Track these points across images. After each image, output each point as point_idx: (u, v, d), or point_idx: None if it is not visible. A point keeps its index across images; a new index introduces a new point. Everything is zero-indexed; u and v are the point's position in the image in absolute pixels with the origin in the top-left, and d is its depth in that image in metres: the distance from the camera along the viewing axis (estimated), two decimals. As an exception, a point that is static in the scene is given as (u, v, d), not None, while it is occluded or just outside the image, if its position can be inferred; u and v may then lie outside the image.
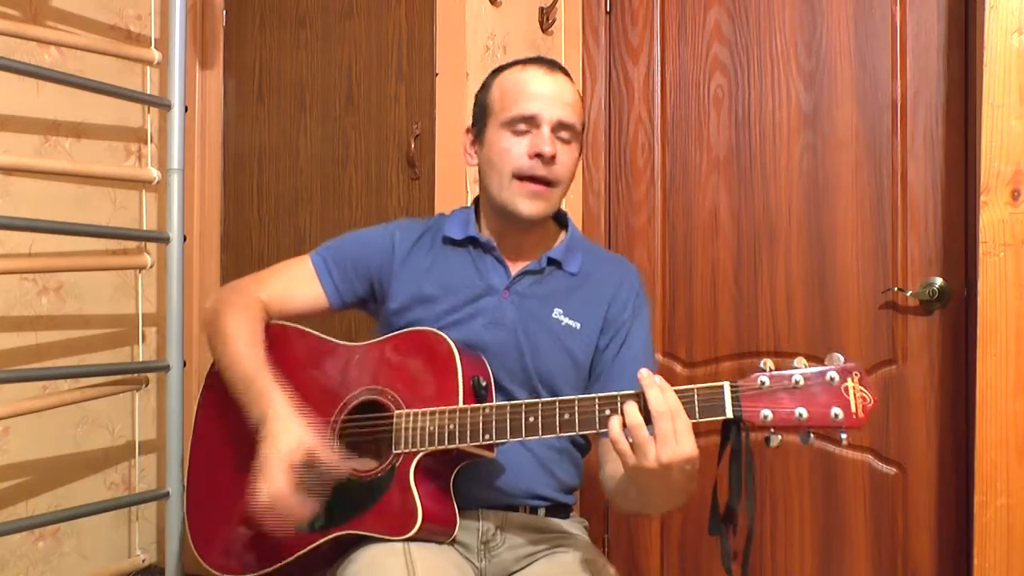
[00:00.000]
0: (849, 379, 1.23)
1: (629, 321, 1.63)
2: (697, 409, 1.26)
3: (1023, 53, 1.72)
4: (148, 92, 2.55)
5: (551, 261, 1.64)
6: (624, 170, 2.48)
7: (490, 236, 1.65)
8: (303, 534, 1.48)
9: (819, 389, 1.23)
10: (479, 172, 1.66)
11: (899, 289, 2.14)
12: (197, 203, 2.67)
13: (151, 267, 2.51)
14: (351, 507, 1.45)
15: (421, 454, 1.43)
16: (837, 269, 2.21)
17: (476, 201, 1.71)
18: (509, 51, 2.32)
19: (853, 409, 1.22)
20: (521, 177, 1.56)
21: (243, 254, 2.66)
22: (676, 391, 1.26)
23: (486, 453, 1.46)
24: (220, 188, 2.70)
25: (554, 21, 2.47)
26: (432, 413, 1.43)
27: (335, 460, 1.44)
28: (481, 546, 1.55)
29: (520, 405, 1.38)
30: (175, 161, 2.29)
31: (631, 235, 2.46)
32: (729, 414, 1.25)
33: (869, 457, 2.16)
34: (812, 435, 1.25)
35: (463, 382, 1.44)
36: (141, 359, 2.60)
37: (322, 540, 1.46)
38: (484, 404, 1.42)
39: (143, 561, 2.60)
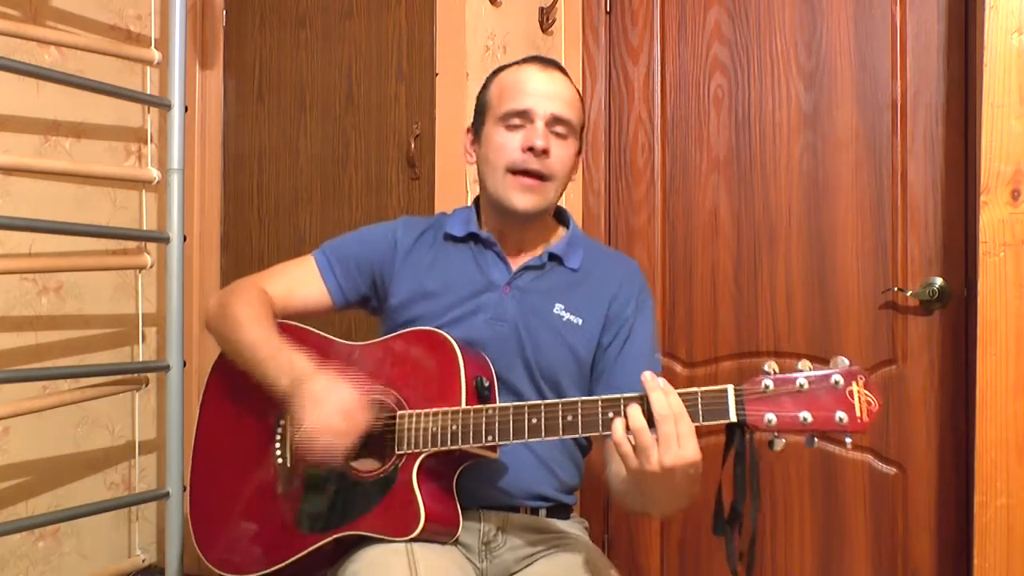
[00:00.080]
0: (854, 383, 1.22)
1: (632, 318, 1.63)
2: (701, 413, 1.26)
3: (1023, 53, 1.72)
4: (148, 92, 2.55)
5: (552, 257, 1.64)
6: (624, 170, 2.48)
7: (491, 233, 1.65)
8: (304, 534, 1.48)
9: (823, 393, 1.23)
10: (478, 170, 1.67)
11: (899, 289, 2.14)
12: (197, 203, 2.67)
13: (151, 267, 2.51)
14: (353, 507, 1.46)
15: (424, 455, 1.43)
16: (837, 269, 2.21)
17: (477, 200, 1.72)
18: (509, 51, 2.32)
19: (858, 413, 1.22)
20: (514, 171, 1.57)
21: (243, 254, 2.66)
22: (680, 394, 1.26)
23: (489, 454, 1.46)
24: (220, 188, 2.70)
25: (554, 21, 2.47)
26: (435, 414, 1.43)
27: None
28: (482, 547, 1.55)
29: (523, 407, 1.38)
30: (175, 161, 2.28)
31: (631, 235, 2.46)
32: (733, 418, 1.25)
33: (869, 457, 2.17)
34: (816, 439, 1.24)
35: (466, 383, 1.44)
36: (141, 359, 2.60)
37: (324, 540, 1.46)
38: (487, 405, 1.42)
39: (143, 561, 2.60)
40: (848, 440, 1.23)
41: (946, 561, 2.10)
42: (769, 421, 1.24)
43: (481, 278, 1.62)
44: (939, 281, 2.10)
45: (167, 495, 2.28)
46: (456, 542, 1.48)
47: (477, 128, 1.66)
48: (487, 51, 2.27)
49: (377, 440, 1.47)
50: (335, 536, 1.46)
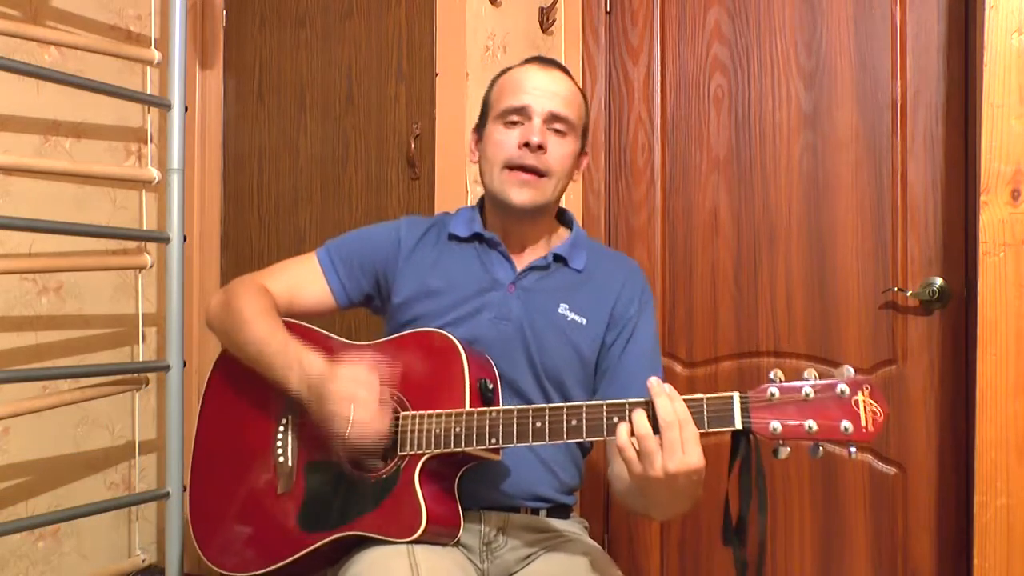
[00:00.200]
0: (860, 392, 1.23)
1: (635, 317, 1.64)
2: (706, 419, 1.26)
3: (1023, 53, 1.72)
4: (148, 92, 2.55)
5: (557, 257, 1.65)
6: (624, 170, 2.48)
7: (495, 233, 1.65)
8: (304, 533, 1.48)
9: (829, 402, 1.23)
10: (479, 168, 1.67)
11: (899, 289, 2.14)
12: (197, 203, 2.67)
13: (151, 267, 2.51)
14: (355, 507, 1.46)
15: (427, 456, 1.43)
16: (837, 269, 2.21)
17: (482, 200, 1.72)
18: (509, 51, 2.32)
19: (863, 423, 1.22)
20: (511, 167, 1.59)
21: (243, 254, 2.66)
22: (685, 400, 1.26)
23: (492, 456, 1.46)
24: (220, 188, 2.70)
25: (554, 21, 2.47)
26: (439, 415, 1.43)
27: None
28: (483, 547, 1.55)
29: (527, 410, 1.38)
30: (175, 161, 2.28)
31: (631, 235, 2.46)
32: (738, 425, 1.25)
33: (869, 457, 2.17)
34: (821, 448, 1.24)
35: (470, 385, 1.45)
36: (141, 359, 2.60)
37: (325, 540, 1.46)
38: (491, 408, 1.42)
39: (143, 561, 2.60)
40: (853, 450, 1.23)
41: (946, 561, 2.10)
42: (774, 429, 1.24)
43: (486, 277, 1.63)
44: (939, 281, 2.10)
45: (167, 495, 2.28)
46: (457, 543, 1.48)
47: (481, 128, 1.68)
48: (487, 51, 2.27)
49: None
50: (336, 536, 1.45)
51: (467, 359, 1.47)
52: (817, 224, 2.24)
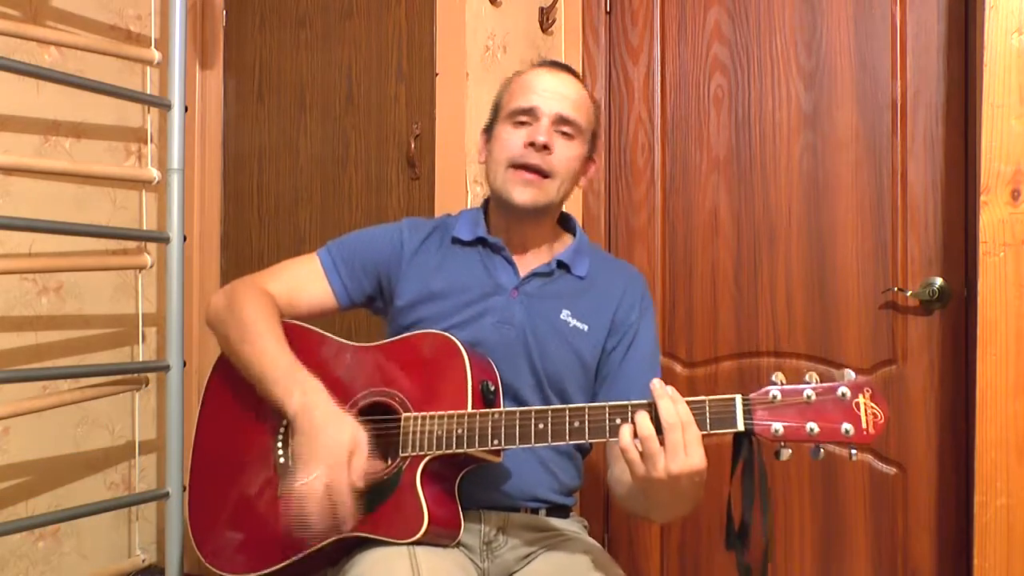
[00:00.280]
0: (860, 395, 1.23)
1: (636, 323, 1.65)
2: (708, 421, 1.27)
3: (1023, 53, 1.73)
4: (148, 92, 2.55)
5: (560, 264, 1.65)
6: (624, 170, 2.48)
7: (499, 237, 1.66)
8: (306, 533, 1.48)
9: (830, 405, 1.24)
10: (486, 169, 1.67)
11: (899, 289, 2.14)
12: (197, 203, 2.67)
13: (151, 267, 2.51)
14: (355, 508, 1.45)
15: (428, 458, 1.43)
16: (837, 269, 2.21)
17: (486, 202, 1.72)
18: (509, 51, 2.32)
19: (864, 425, 1.23)
20: (515, 165, 1.59)
21: (243, 254, 2.66)
22: (688, 402, 1.27)
23: (493, 458, 1.46)
24: (220, 188, 2.70)
25: (554, 21, 2.47)
26: (440, 417, 1.43)
27: (374, 465, 1.43)
28: (484, 547, 1.55)
29: (529, 412, 1.38)
30: (175, 161, 2.28)
31: (631, 235, 2.46)
32: (740, 427, 1.26)
33: (869, 457, 2.17)
34: (822, 450, 1.25)
35: (472, 386, 1.44)
36: (141, 359, 2.60)
37: (325, 541, 1.46)
38: (493, 410, 1.42)
39: (143, 561, 2.60)
40: (854, 453, 1.24)
41: (946, 561, 2.10)
42: (776, 431, 1.24)
43: (489, 281, 1.63)
44: (939, 281, 2.11)
45: (167, 495, 2.28)
46: (458, 544, 1.48)
47: (490, 129, 1.68)
48: (487, 51, 2.27)
49: (382, 441, 1.47)
50: (336, 537, 1.45)
51: (469, 360, 1.46)
52: (817, 224, 2.24)
